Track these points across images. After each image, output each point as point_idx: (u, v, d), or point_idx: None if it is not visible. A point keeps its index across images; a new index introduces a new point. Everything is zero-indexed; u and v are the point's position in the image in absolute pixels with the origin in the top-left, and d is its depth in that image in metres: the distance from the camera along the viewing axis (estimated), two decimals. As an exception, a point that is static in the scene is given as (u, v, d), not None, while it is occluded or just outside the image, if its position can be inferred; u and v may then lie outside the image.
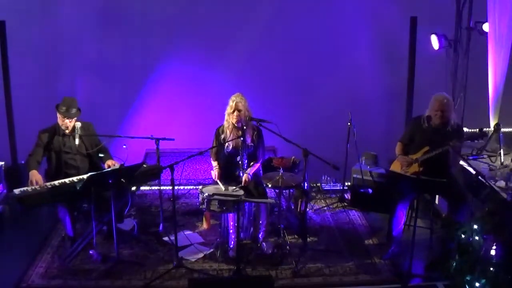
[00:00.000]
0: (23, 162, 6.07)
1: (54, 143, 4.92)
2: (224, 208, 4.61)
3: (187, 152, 5.95)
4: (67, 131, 4.93)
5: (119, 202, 4.75)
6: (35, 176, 4.68)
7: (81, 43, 6.79)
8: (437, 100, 4.87)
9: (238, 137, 5.01)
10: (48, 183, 4.63)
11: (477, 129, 5.41)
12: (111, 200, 4.47)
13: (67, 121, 4.87)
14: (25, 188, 4.51)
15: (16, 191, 4.47)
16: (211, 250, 5.00)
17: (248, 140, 5.10)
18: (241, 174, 5.07)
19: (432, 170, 4.74)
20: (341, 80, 7.05)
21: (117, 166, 4.88)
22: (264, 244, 4.98)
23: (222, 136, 5.11)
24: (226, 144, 5.08)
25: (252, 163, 5.17)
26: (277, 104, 6.98)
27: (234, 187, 4.86)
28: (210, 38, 6.91)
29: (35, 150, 4.89)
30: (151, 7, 6.80)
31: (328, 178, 6.64)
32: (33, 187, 4.54)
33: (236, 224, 4.67)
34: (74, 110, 4.89)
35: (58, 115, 4.90)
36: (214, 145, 5.17)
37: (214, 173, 5.16)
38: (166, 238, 5.18)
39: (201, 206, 4.75)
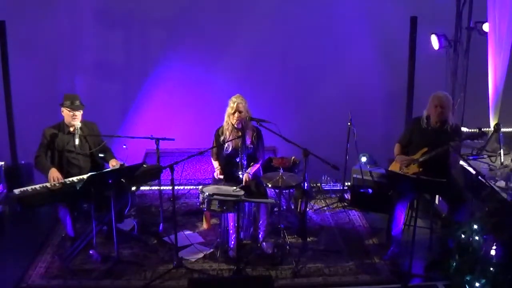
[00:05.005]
0: (23, 162, 6.09)
1: (58, 141, 4.91)
2: (224, 208, 4.61)
3: (187, 152, 5.94)
4: (71, 129, 4.92)
5: (119, 202, 4.75)
6: (55, 173, 4.69)
7: (81, 43, 6.81)
8: (436, 96, 4.91)
9: (238, 137, 5.02)
10: (48, 184, 4.63)
11: (477, 129, 5.41)
12: (111, 200, 4.46)
13: (77, 113, 4.87)
14: (25, 188, 4.51)
15: (16, 191, 4.47)
16: (211, 250, 5.00)
17: (248, 141, 5.10)
18: (241, 175, 5.06)
19: (432, 170, 4.74)
20: (341, 80, 7.05)
21: (117, 166, 4.88)
22: (264, 244, 4.98)
23: (222, 138, 5.11)
24: (226, 145, 5.08)
25: (252, 163, 5.17)
26: (277, 104, 6.99)
27: (235, 187, 4.87)
28: (210, 38, 6.91)
29: (43, 150, 4.88)
30: (151, 7, 6.80)
31: (328, 178, 6.64)
32: (32, 187, 4.53)
33: (236, 224, 4.67)
34: (78, 102, 4.90)
35: (65, 112, 4.88)
36: (214, 145, 5.17)
37: (217, 173, 5.16)
38: (166, 238, 5.18)
39: (201, 206, 4.75)
